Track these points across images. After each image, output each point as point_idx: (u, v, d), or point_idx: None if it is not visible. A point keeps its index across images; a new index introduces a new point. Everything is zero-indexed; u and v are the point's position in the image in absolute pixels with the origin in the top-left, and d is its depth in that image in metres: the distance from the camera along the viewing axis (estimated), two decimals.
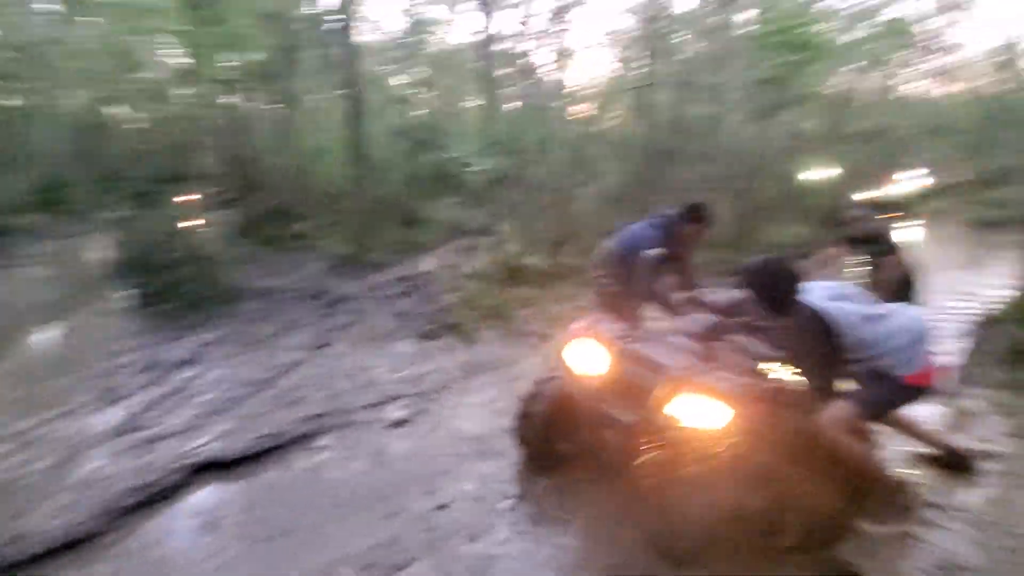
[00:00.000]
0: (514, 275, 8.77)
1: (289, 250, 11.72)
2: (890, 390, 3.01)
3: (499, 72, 20.66)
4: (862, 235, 5.33)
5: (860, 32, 20.41)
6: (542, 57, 20.24)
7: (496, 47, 20.01)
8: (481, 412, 5.22)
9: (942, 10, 24.78)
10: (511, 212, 9.50)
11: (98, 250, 11.67)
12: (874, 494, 3.22)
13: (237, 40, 13.82)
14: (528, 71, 19.81)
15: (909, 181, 19.73)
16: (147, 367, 5.88)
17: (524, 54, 20.20)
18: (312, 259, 11.32)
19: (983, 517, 3.22)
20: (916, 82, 26.61)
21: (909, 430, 3.65)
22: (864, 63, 20.63)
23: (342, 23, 12.88)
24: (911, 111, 22.81)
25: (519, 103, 19.54)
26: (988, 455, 3.72)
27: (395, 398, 5.33)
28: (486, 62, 20.99)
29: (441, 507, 3.72)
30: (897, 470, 3.53)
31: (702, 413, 3.14)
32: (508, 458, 4.27)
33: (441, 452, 4.45)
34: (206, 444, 4.44)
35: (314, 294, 8.76)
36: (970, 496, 3.40)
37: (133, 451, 4.34)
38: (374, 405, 5.18)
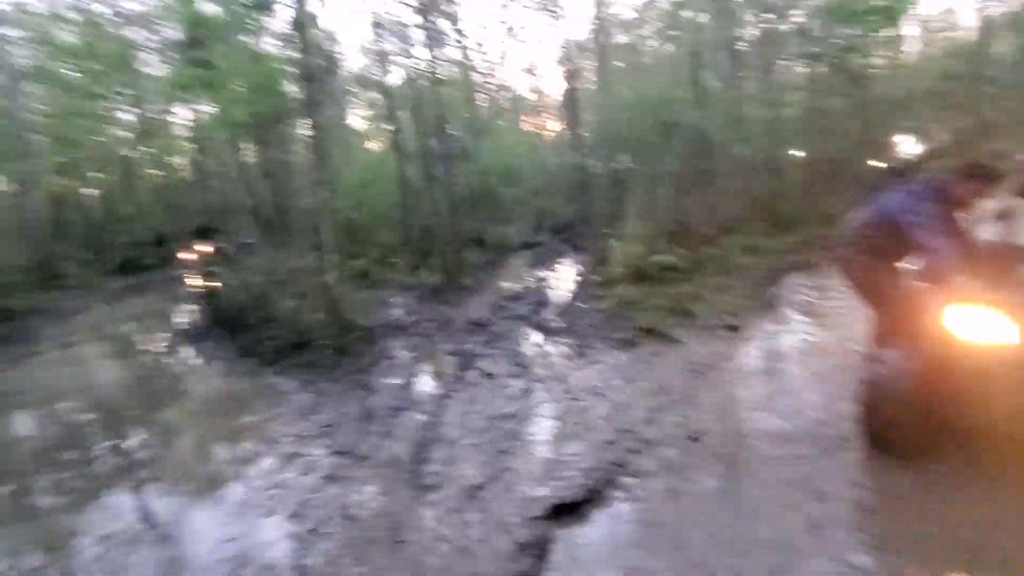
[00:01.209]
0: (644, 274, 8.46)
1: (358, 287, 11.04)
2: None
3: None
4: None
5: None
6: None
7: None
8: (758, 407, 4.86)
9: None
10: (628, 211, 9.16)
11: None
12: None
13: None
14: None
15: (909, 144, 20.65)
16: (361, 417, 5.22)
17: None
18: (391, 292, 10.70)
19: None
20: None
21: None
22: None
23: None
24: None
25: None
26: None
27: (661, 409, 4.89)
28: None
29: None
30: None
31: None
32: (858, 443, 3.95)
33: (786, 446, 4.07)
34: (533, 486, 3.87)
35: (441, 325, 8.17)
36: None
37: (460, 510, 3.72)
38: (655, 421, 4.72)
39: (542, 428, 4.66)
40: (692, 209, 9.98)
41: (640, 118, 9.54)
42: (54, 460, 5.44)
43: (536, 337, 7.19)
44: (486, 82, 20.59)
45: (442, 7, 14.94)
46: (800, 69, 14.93)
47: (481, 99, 18.51)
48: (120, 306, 15.18)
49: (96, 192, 27.72)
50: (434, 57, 16.64)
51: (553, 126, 28.30)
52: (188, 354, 8.92)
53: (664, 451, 4.28)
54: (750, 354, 6.02)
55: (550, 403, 5.08)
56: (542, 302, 8.84)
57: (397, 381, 6.01)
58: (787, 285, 8.54)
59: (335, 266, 7.32)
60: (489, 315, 8.39)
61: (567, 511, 3.64)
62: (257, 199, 17.00)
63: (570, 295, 9.09)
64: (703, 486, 3.77)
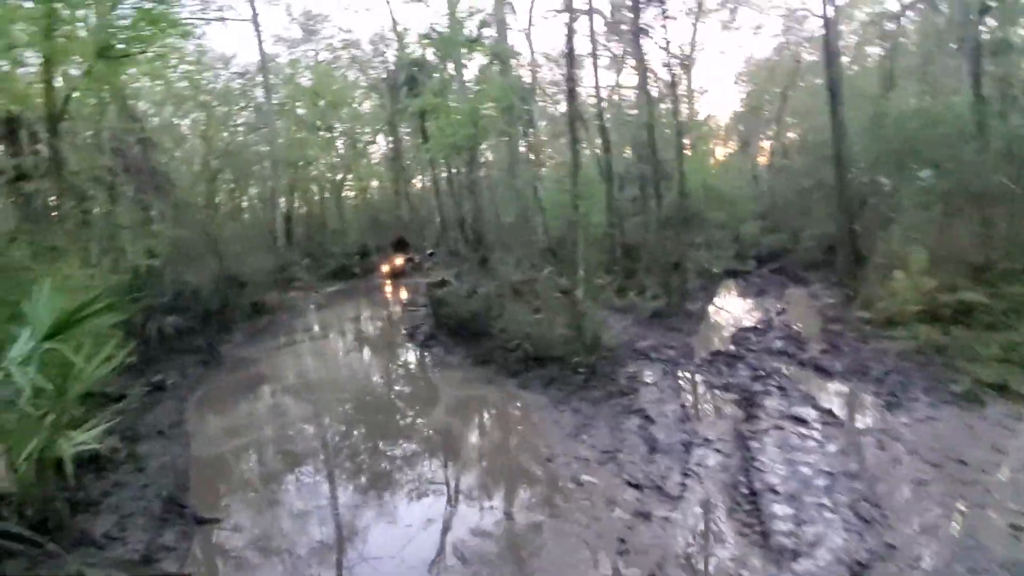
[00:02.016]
0: (938, 314, 6.95)
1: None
2: None
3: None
4: None
5: None
6: None
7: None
8: None
9: None
10: (904, 238, 7.71)
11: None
12: None
13: None
14: None
15: None
16: (647, 447, 4.74)
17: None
18: (605, 312, 10.25)
19: None
20: None
21: None
22: None
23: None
24: None
25: None
26: None
27: None
28: None
29: None
30: None
31: None
32: None
33: None
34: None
35: (683, 352, 7.51)
36: None
37: None
38: None
39: (906, 495, 3.73)
40: (993, 237, 8.12)
41: (922, 130, 8.02)
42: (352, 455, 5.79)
43: (814, 377, 6.18)
44: (684, 105, 19.82)
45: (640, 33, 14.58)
46: None
47: (680, 122, 17.74)
48: (342, 307, 16.93)
49: (310, 209, 32.14)
50: (637, 84, 16.34)
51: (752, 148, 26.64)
52: (423, 356, 9.35)
53: None
54: None
55: (896, 464, 4.12)
56: (792, 337, 7.74)
57: (670, 410, 5.45)
58: None
59: (583, 282, 7.09)
60: (733, 346, 7.53)
61: None
62: (459, 214, 18.04)
63: (825, 331, 7.85)
64: None
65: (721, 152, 28.86)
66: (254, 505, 4.73)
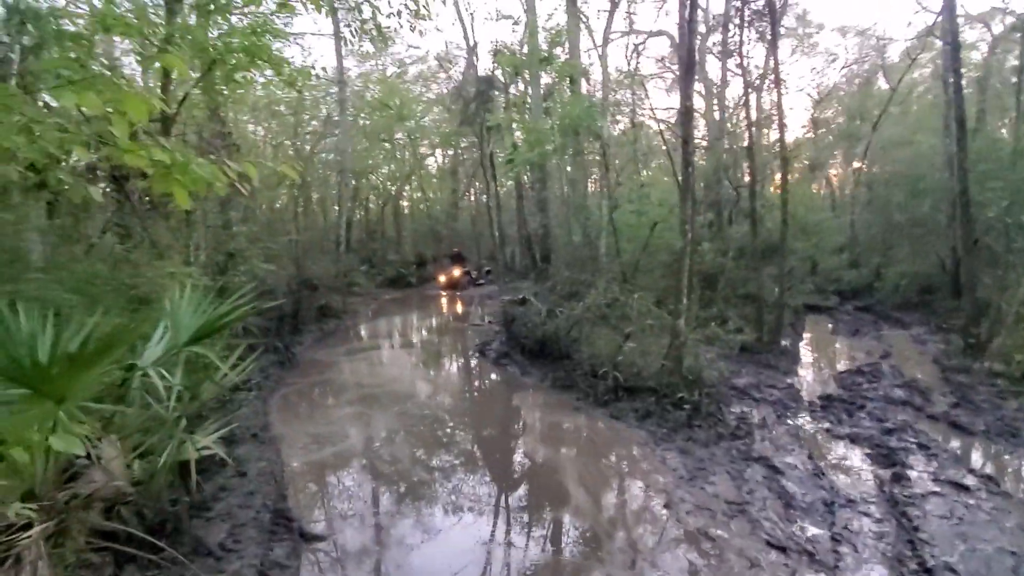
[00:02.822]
0: None
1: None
2: None
3: None
4: None
5: None
6: None
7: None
8: None
9: None
10: None
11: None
12: None
13: None
14: None
15: None
16: (782, 503, 4.33)
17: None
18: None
19: None
20: None
21: None
22: None
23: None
24: None
25: None
26: None
27: None
28: None
29: None
30: None
31: None
32: None
33: None
34: None
35: (790, 394, 7.00)
36: None
37: None
38: None
39: None
40: None
41: None
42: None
43: (953, 435, 5.59)
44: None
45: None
46: None
47: (785, 148, 17.25)
48: (405, 316, 16.98)
49: (367, 216, 32.79)
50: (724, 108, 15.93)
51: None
52: (498, 375, 9.14)
53: None
54: None
55: None
56: (911, 386, 7.11)
57: (797, 461, 5.00)
58: None
59: (688, 312, 6.71)
60: (843, 391, 6.98)
61: None
62: (523, 231, 17.93)
63: (948, 382, 7.19)
64: None
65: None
66: (353, 524, 4.56)
